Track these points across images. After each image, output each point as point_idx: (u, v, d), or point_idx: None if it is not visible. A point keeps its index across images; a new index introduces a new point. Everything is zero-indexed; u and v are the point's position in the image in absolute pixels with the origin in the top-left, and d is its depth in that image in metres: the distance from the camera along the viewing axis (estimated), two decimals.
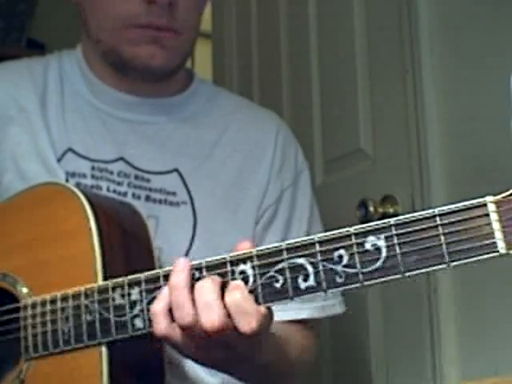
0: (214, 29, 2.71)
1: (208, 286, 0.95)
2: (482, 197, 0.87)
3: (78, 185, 1.27)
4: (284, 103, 2.33)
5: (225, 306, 0.94)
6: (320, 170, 2.11)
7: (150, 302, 1.00)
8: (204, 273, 0.97)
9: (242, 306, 0.94)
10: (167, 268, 1.01)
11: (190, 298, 0.96)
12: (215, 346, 0.98)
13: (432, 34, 1.89)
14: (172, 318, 0.97)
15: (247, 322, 0.94)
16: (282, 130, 1.47)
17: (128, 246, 1.11)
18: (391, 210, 1.90)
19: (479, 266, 1.63)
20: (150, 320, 1.00)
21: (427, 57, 1.89)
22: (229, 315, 0.95)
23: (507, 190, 0.86)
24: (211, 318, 0.94)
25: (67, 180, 1.29)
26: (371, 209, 1.91)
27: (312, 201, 1.45)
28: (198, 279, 0.97)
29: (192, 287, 0.96)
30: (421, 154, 1.87)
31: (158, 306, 0.98)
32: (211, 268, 0.97)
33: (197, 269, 0.98)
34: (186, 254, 1.29)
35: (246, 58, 2.56)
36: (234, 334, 0.95)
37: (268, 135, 1.44)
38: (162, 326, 0.97)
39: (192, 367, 1.28)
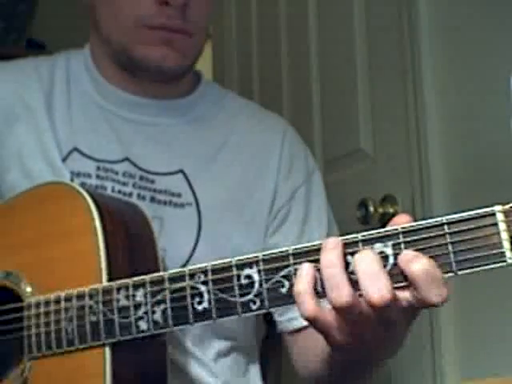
0: (214, 29, 2.71)
1: (369, 257, 0.88)
2: (489, 206, 0.86)
3: (82, 185, 1.27)
4: (284, 103, 2.33)
5: (409, 277, 0.87)
6: (320, 170, 2.10)
7: (154, 305, 1.00)
8: (210, 276, 0.97)
9: (433, 274, 0.87)
10: (172, 271, 1.00)
11: (347, 277, 0.89)
12: (375, 323, 0.91)
13: (432, 34, 1.89)
14: (317, 298, 0.91)
15: (439, 292, 0.87)
16: (288, 133, 1.46)
17: (133, 247, 1.11)
18: (391, 210, 1.90)
19: None
20: (155, 322, 1.00)
21: (427, 57, 1.89)
22: (412, 286, 0.88)
23: None
24: (379, 288, 0.86)
25: (72, 180, 1.29)
26: (371, 209, 1.91)
27: (326, 202, 1.45)
28: (351, 254, 0.90)
29: (346, 265, 0.90)
30: (421, 154, 1.87)
31: (303, 286, 0.90)
32: (217, 271, 0.97)
33: (202, 272, 0.98)
34: (191, 256, 1.29)
35: (245, 57, 2.56)
36: (396, 308, 0.89)
37: (274, 137, 1.44)
38: (310, 306, 0.90)
39: (194, 368, 1.28)
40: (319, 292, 0.91)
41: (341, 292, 0.88)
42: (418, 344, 1.82)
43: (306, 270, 0.91)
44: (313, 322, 0.92)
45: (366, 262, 0.88)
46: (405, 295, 0.89)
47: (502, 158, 1.62)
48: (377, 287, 0.87)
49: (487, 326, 1.70)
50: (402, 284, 0.88)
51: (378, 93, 2.01)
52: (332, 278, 0.89)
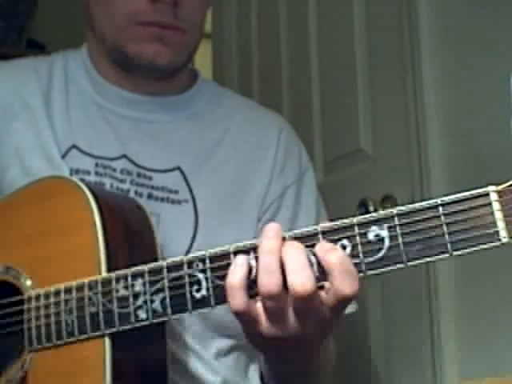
0: (213, 29, 2.72)
1: (297, 249, 0.92)
2: (485, 186, 0.87)
3: (82, 181, 1.28)
4: (284, 103, 2.34)
5: (324, 266, 0.91)
6: (320, 170, 2.11)
7: (152, 294, 1.00)
8: (208, 264, 0.97)
9: (348, 265, 0.91)
10: (170, 259, 1.01)
11: (280, 265, 0.92)
12: (294, 316, 0.93)
13: (432, 34, 1.89)
14: (249, 292, 0.94)
15: (351, 283, 0.90)
16: (285, 130, 1.47)
17: (132, 240, 1.11)
18: None
19: (480, 266, 1.63)
20: (154, 311, 1.00)
21: (427, 57, 1.89)
22: (326, 276, 0.91)
23: (509, 180, 0.87)
24: (303, 278, 0.90)
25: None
26: (371, 209, 1.91)
27: (318, 199, 1.44)
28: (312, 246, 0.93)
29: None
30: (421, 154, 1.87)
31: (235, 279, 0.93)
32: (214, 259, 0.97)
33: (200, 260, 0.98)
34: (187, 253, 1.29)
35: (245, 58, 2.57)
36: (318, 303, 0.93)
37: (271, 134, 1.44)
38: (240, 300, 0.93)
39: (194, 364, 1.28)
40: (253, 280, 0.93)
41: (273, 279, 0.91)
42: (418, 344, 1.82)
43: (239, 263, 0.94)
44: (241, 316, 0.95)
45: (294, 253, 0.91)
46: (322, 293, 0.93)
47: (501, 157, 1.61)
48: (301, 278, 0.90)
49: (487, 326, 1.70)
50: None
51: (378, 93, 2.02)
52: (268, 265, 0.92)
